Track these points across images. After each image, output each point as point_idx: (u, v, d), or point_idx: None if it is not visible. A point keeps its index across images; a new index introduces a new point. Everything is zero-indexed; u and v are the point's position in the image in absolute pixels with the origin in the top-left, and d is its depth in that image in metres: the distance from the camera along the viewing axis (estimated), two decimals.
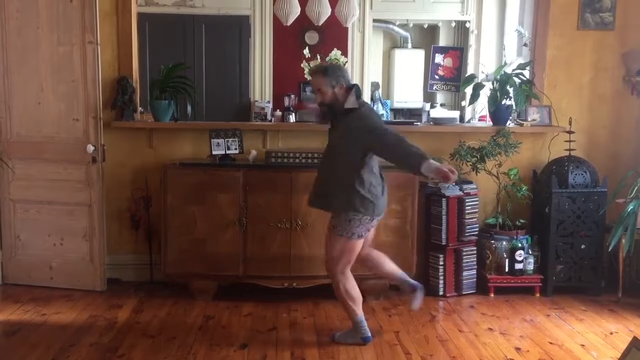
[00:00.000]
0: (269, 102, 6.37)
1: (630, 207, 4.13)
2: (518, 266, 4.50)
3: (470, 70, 6.76)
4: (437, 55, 6.10)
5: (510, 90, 4.69)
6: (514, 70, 4.78)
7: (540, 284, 4.54)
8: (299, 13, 5.23)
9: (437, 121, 5.09)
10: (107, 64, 4.58)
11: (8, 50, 4.46)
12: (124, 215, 4.71)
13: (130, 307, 4.19)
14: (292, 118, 5.79)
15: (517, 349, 3.61)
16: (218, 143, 4.37)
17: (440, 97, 8.18)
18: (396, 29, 8.29)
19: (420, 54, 8.31)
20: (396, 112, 8.37)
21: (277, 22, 5.99)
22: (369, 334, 3.62)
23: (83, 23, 4.30)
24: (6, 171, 4.56)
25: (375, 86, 7.90)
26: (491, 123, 4.89)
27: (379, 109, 7.93)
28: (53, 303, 4.24)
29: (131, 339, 3.66)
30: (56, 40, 4.37)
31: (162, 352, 3.48)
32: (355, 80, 6.77)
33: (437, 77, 6.03)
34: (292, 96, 6.32)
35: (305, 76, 4.97)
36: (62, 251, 4.55)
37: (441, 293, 4.50)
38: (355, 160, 3.46)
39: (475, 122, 5.66)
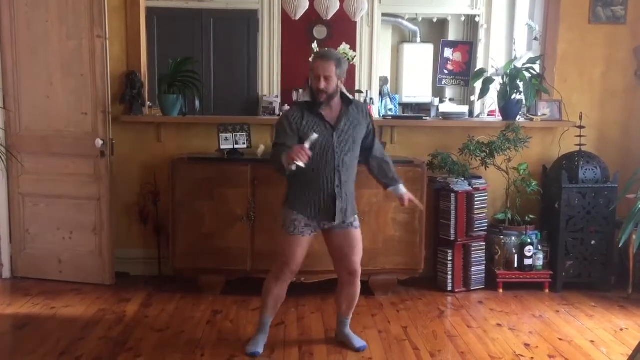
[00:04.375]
0: (277, 96, 6.35)
1: None
2: (527, 262, 4.47)
3: (479, 65, 6.73)
4: (446, 49, 6.08)
5: (520, 84, 4.66)
6: (524, 64, 4.75)
7: (550, 280, 4.51)
8: (307, 7, 5.21)
9: (446, 116, 5.06)
10: (115, 58, 4.58)
11: (17, 44, 4.47)
12: (132, 210, 4.71)
13: (138, 301, 4.20)
14: None
15: (526, 345, 3.59)
16: (226, 137, 4.37)
17: (449, 92, 8.15)
18: (405, 23, 8.26)
19: (429, 48, 8.28)
20: (405, 106, 8.35)
21: (285, 16, 5.98)
22: None
23: (92, 17, 4.30)
24: (15, 165, 4.58)
25: (383, 81, 7.87)
26: (501, 118, 4.86)
27: (388, 103, 7.90)
28: (62, 296, 4.26)
29: (139, 333, 3.67)
30: (65, 34, 4.38)
31: (170, 346, 3.49)
32: (364, 74, 6.77)
33: (446, 71, 6.01)
34: (301, 91, 6.30)
35: None
36: (71, 245, 4.56)
37: (450, 288, 4.48)
38: (358, 151, 3.45)
39: (485, 117, 5.62)
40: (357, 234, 3.46)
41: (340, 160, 3.31)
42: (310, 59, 3.39)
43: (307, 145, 3.11)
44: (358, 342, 3.51)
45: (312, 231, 3.39)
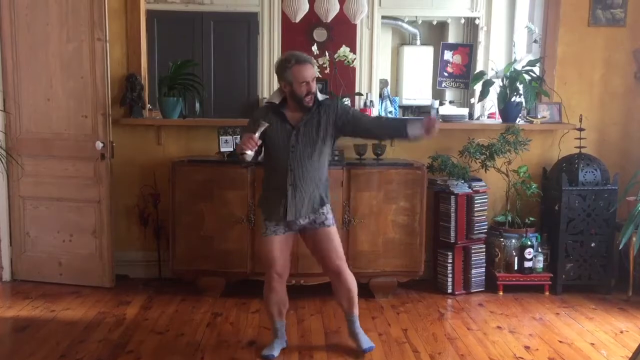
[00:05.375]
0: None
1: None
2: (527, 264, 4.47)
3: (479, 67, 6.73)
4: (446, 52, 6.07)
5: (520, 87, 4.67)
6: (523, 67, 4.75)
7: (550, 282, 4.51)
8: (307, 10, 5.21)
9: (446, 118, 5.06)
10: (116, 61, 4.59)
11: (18, 46, 4.47)
12: (132, 212, 4.71)
13: (138, 304, 4.20)
14: None
15: (527, 348, 3.59)
16: (226, 140, 4.37)
17: (449, 94, 8.16)
18: (405, 25, 8.27)
19: (429, 50, 8.28)
20: (405, 109, 8.35)
21: (285, 18, 5.97)
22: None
23: (92, 19, 4.31)
24: (15, 168, 4.58)
25: (383, 83, 7.87)
26: (500, 120, 4.86)
27: (388, 106, 7.90)
28: (62, 299, 4.26)
29: (139, 335, 3.67)
30: (65, 37, 4.38)
31: (170, 349, 3.49)
32: (364, 77, 6.78)
33: (446, 74, 6.00)
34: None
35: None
36: (71, 247, 4.56)
37: (450, 291, 4.48)
38: (328, 149, 3.42)
39: (485, 119, 5.63)
40: (329, 231, 3.42)
41: (294, 160, 3.31)
42: (287, 66, 3.30)
43: (256, 135, 3.17)
44: (365, 343, 3.47)
45: (285, 230, 3.38)
